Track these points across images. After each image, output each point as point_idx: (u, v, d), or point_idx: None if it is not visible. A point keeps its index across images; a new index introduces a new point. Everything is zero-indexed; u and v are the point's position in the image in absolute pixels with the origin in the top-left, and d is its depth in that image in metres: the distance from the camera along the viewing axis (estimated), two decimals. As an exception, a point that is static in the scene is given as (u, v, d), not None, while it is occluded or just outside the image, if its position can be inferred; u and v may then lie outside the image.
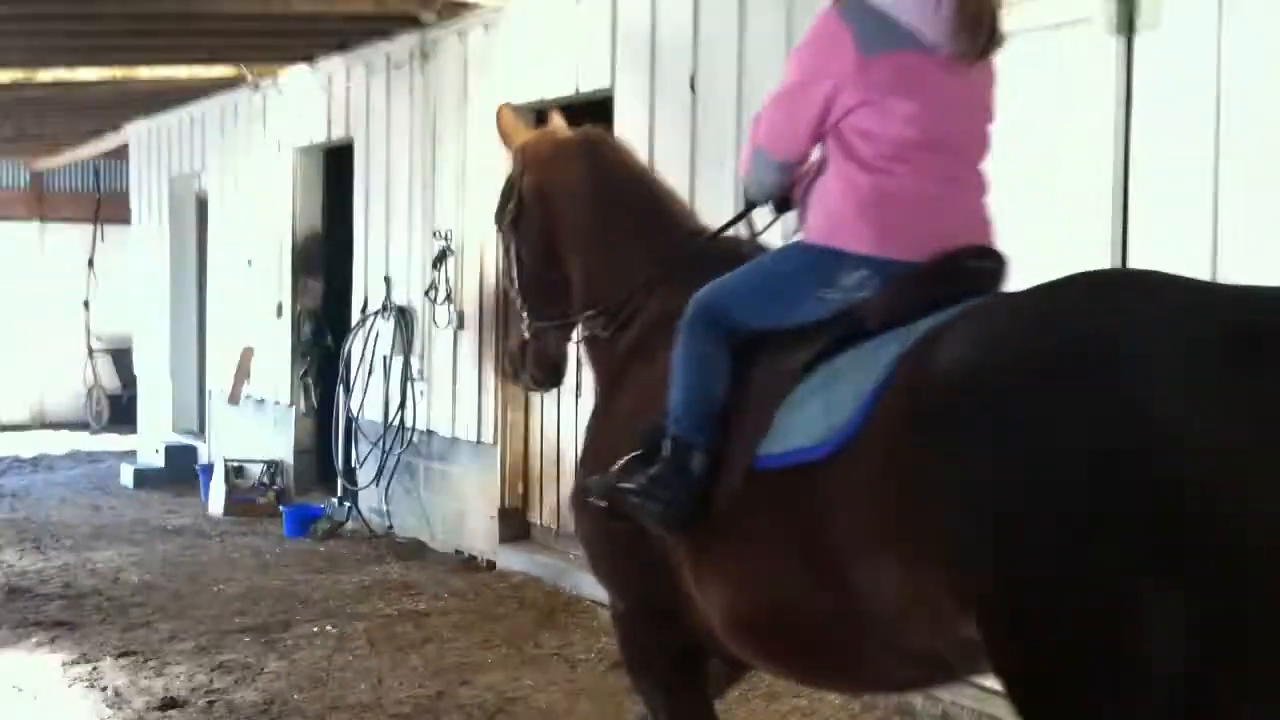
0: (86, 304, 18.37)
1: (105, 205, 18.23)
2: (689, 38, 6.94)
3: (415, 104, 9.52)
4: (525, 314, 4.07)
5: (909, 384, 2.61)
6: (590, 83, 7.78)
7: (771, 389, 2.99)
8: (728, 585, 3.06)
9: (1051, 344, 2.38)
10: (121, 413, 17.34)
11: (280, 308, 11.59)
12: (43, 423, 18.37)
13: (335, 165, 11.25)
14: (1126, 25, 4.77)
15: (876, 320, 2.91)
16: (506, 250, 4.15)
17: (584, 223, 3.83)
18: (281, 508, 10.55)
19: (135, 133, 14.91)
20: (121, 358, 17.36)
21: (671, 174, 7.04)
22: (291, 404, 11.48)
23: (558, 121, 4.13)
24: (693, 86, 6.91)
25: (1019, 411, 2.35)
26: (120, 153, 15.89)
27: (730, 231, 3.66)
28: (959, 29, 2.97)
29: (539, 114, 8.61)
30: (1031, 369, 2.38)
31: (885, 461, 2.60)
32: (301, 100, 11.20)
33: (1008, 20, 4.72)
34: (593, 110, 8.04)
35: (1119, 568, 2.21)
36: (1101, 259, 4.81)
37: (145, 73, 11.13)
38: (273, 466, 11.30)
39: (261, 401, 12.04)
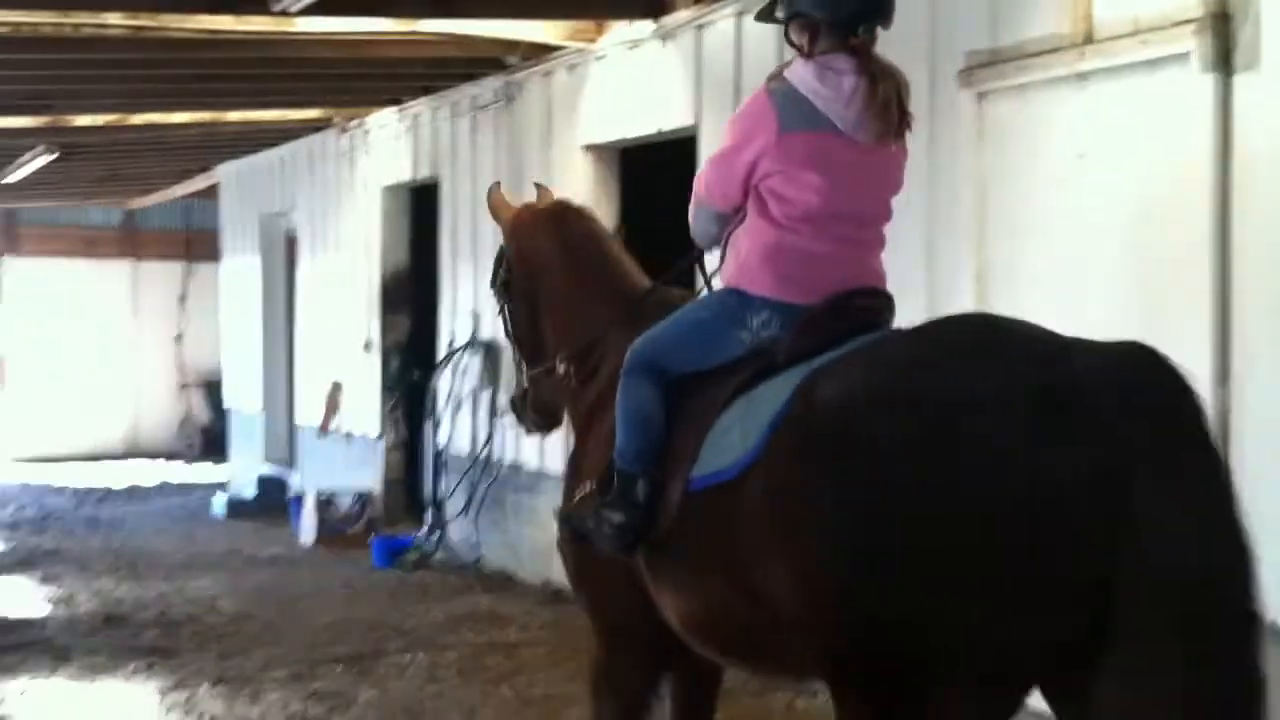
0: (179, 338, 18.81)
1: (195, 243, 18.69)
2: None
3: (499, 144, 9.69)
4: (522, 365, 4.59)
5: (799, 414, 3.11)
6: (673, 122, 7.89)
7: (700, 420, 3.46)
8: (676, 592, 3.55)
9: (904, 389, 2.91)
10: (213, 444, 17.72)
11: (369, 343, 11.81)
12: (137, 454, 18.79)
13: (421, 204, 11.46)
14: (1223, 64, 4.75)
15: (785, 357, 3.39)
16: (500, 310, 4.73)
17: (553, 283, 4.38)
18: (371, 538, 10.72)
19: (225, 173, 15.28)
20: (213, 391, 17.75)
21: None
22: (380, 436, 11.67)
23: (543, 194, 4.71)
24: (777, 124, 6.99)
25: (874, 445, 2.87)
26: (210, 192, 16.29)
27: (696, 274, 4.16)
28: (866, 118, 3.51)
29: (623, 153, 8.81)
30: (880, 408, 2.91)
31: (776, 481, 3.09)
32: (388, 141, 11.44)
33: (1096, 59, 4.74)
34: (677, 149, 8.16)
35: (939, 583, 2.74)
36: (1200, 296, 4.80)
37: (235, 116, 11.43)
38: (362, 498, 11.49)
39: (350, 434, 12.25)
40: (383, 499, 11.59)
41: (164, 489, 15.51)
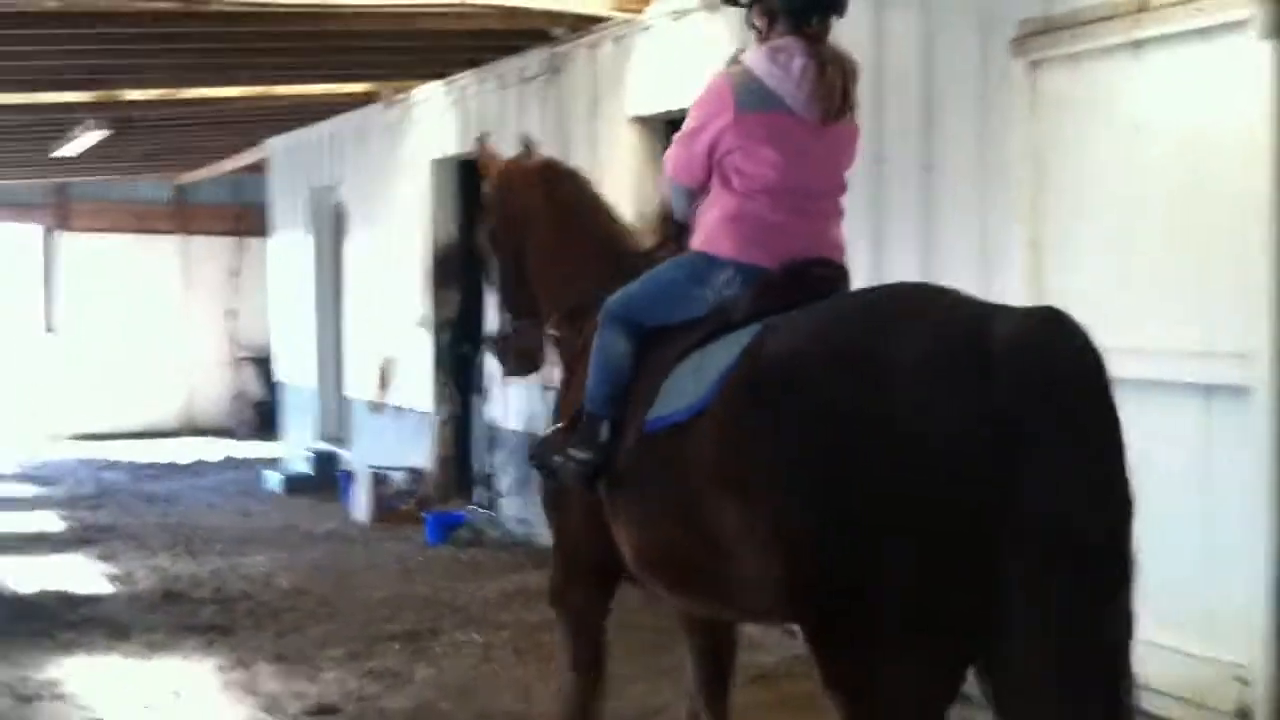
0: (231, 314, 18.95)
1: (245, 218, 18.79)
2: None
3: (546, 117, 9.65)
4: (507, 314, 4.89)
5: (747, 366, 3.45)
6: (722, 92, 7.81)
7: (660, 370, 3.81)
8: (631, 526, 3.90)
9: (833, 346, 3.24)
10: (266, 419, 17.86)
11: (423, 319, 11.83)
12: (190, 429, 18.97)
13: (470, 177, 11.44)
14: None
15: (741, 316, 3.74)
16: (486, 260, 4.98)
17: (543, 240, 4.66)
18: (424, 515, 10.77)
19: (274, 147, 15.33)
20: (266, 366, 17.87)
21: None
22: (432, 412, 11.71)
23: (532, 152, 4.95)
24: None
25: (809, 392, 3.18)
26: (260, 167, 16.36)
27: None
28: (813, 100, 3.84)
29: (669, 124, 8.73)
30: (818, 362, 3.22)
31: (725, 423, 3.42)
32: (435, 114, 11.42)
33: (1152, 26, 4.65)
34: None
35: (868, 514, 3.04)
36: (1256, 266, 4.72)
37: (283, 90, 11.44)
38: (415, 474, 11.54)
39: (403, 409, 12.30)
40: (435, 474, 11.64)
41: (218, 464, 15.66)
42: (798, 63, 3.83)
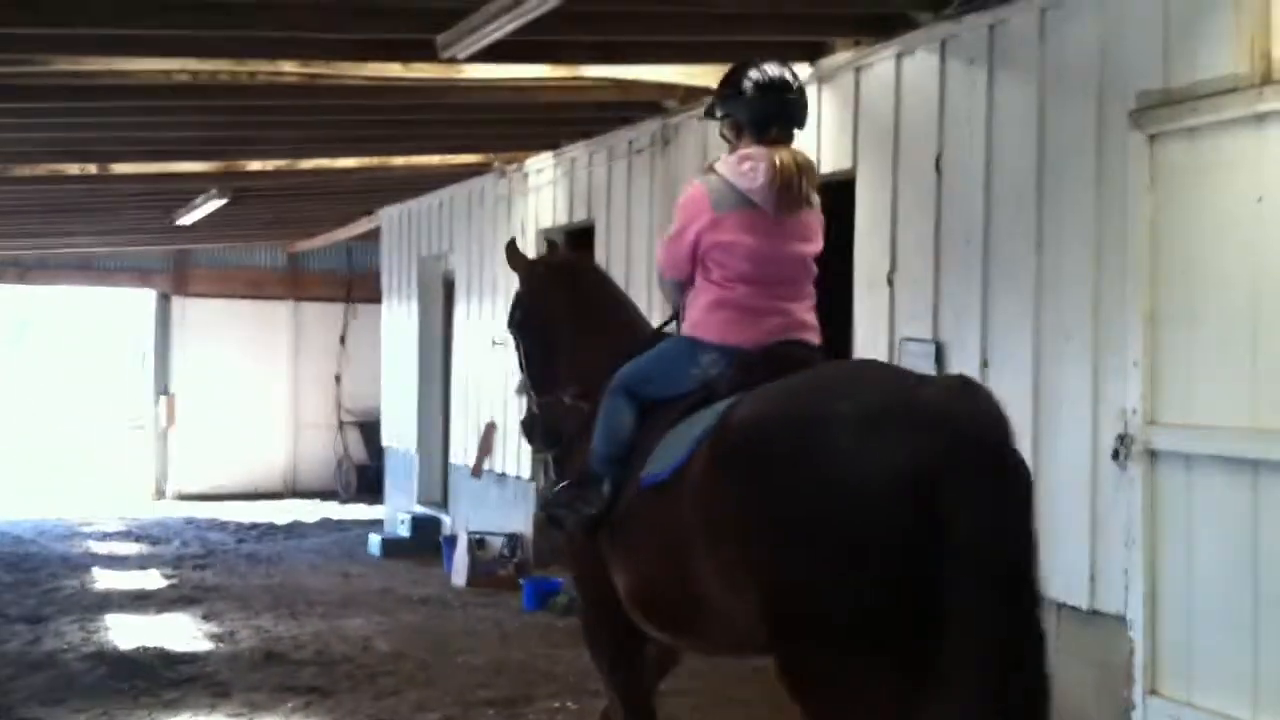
0: (338, 378, 19.27)
1: (356, 285, 19.14)
2: (934, 118, 6.90)
3: (655, 187, 9.72)
4: (533, 393, 5.35)
5: (718, 431, 3.94)
6: (831, 164, 7.81)
7: (655, 436, 4.33)
8: (625, 572, 4.39)
9: (785, 411, 3.75)
10: (369, 483, 18.04)
11: (522, 384, 11.87)
12: (294, 491, 19.23)
13: (577, 247, 11.52)
14: None
15: (724, 391, 4.25)
16: (516, 346, 5.54)
17: (566, 329, 5.21)
18: (521, 581, 10.75)
19: (387, 216, 15.62)
20: (370, 430, 18.09)
21: (914, 256, 7.04)
22: (532, 478, 11.73)
23: (554, 250, 5.66)
24: (938, 168, 6.87)
25: (763, 450, 3.68)
26: (371, 235, 16.67)
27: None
28: (772, 196, 4.39)
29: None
30: (773, 425, 3.73)
31: (696, 479, 3.94)
32: (545, 185, 11.56)
33: (1275, 99, 4.58)
34: (834, 191, 8.07)
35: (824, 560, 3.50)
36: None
37: (398, 161, 11.67)
38: (513, 539, 11.55)
39: (503, 475, 12.35)
40: (533, 541, 11.64)
41: (321, 526, 15.82)
42: (761, 167, 4.40)
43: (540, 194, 11.67)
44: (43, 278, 19.58)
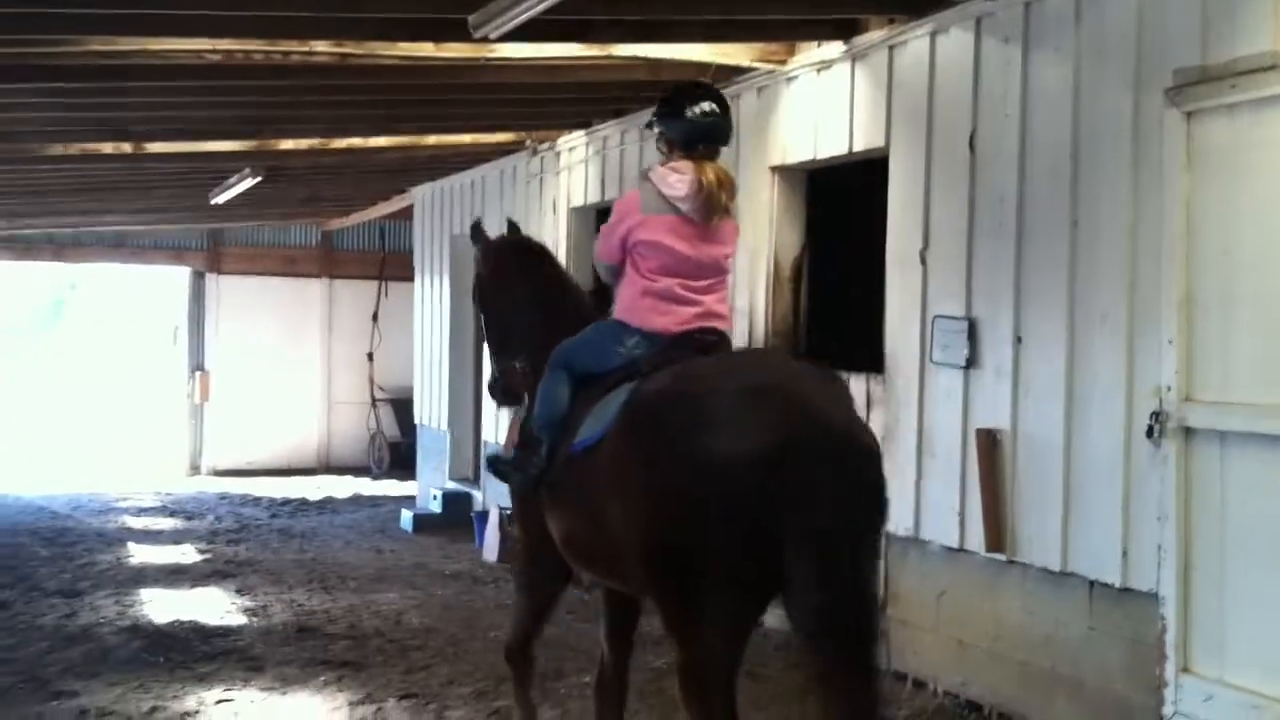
0: (370, 356, 19.35)
1: (389, 263, 19.21)
2: (968, 96, 6.87)
3: (687, 165, 9.69)
4: (494, 359, 6.08)
5: (629, 403, 4.64)
6: (864, 142, 7.79)
7: (586, 406, 4.98)
8: (559, 521, 5.13)
9: (680, 390, 4.45)
10: (401, 459, 18.16)
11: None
12: (327, 467, 19.37)
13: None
14: None
15: (646, 368, 4.89)
16: (477, 318, 6.50)
17: (520, 304, 5.85)
18: (552, 558, 10.78)
19: (420, 194, 15.66)
20: (402, 407, 18.18)
21: (947, 234, 7.02)
22: (562, 457, 11.75)
23: (517, 232, 6.22)
24: (972, 146, 6.84)
25: (659, 422, 4.40)
26: (404, 213, 16.71)
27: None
28: (695, 206, 5.08)
29: (811, 175, 8.74)
30: (669, 401, 4.43)
31: (612, 445, 4.63)
32: (576, 163, 11.56)
33: None
34: (867, 169, 8.05)
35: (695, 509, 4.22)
36: None
37: (431, 140, 11.69)
38: (543, 517, 11.58)
39: (533, 454, 12.36)
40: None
41: (354, 502, 15.92)
42: (686, 179, 5.07)
43: (572, 172, 11.68)
44: (78, 255, 19.73)
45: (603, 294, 5.92)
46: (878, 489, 4.28)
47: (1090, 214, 6.12)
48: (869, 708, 4.09)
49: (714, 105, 5.23)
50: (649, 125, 5.35)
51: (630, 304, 5.16)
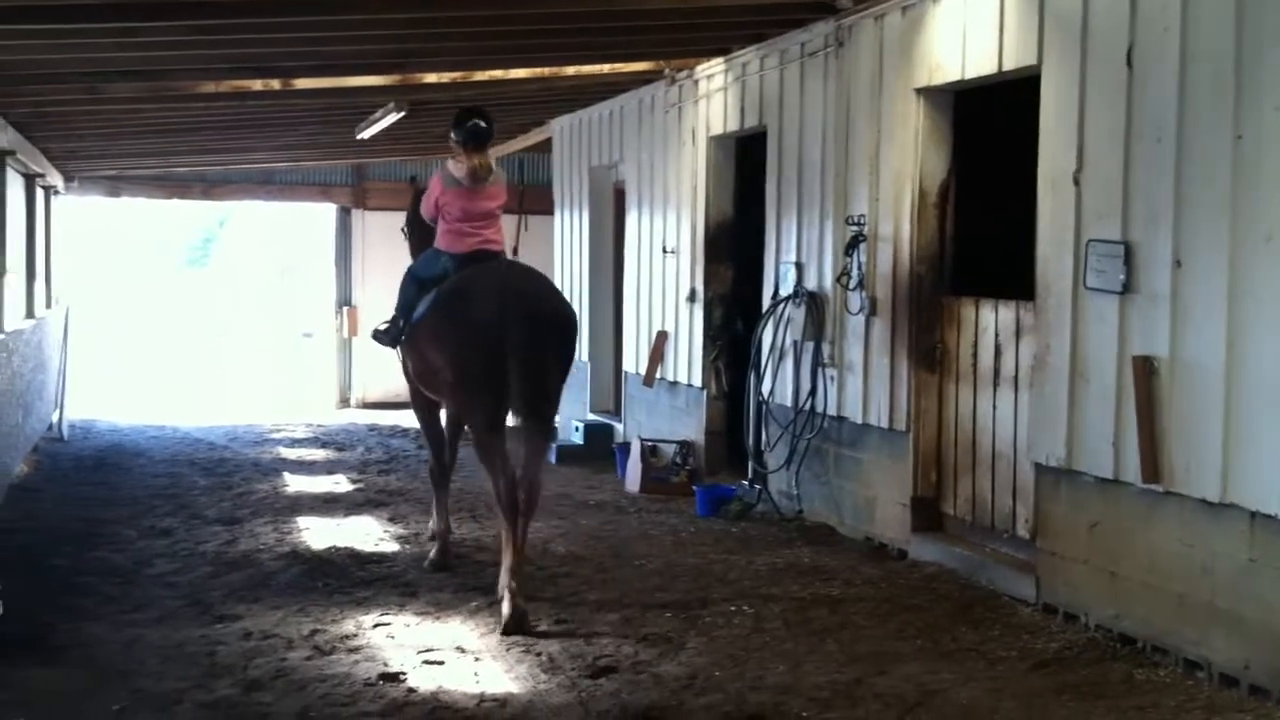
0: (511, 289, 19.51)
1: (528, 196, 19.25)
2: (1125, 12, 6.61)
3: (829, 91, 9.55)
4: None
5: (438, 294, 7.93)
6: (1015, 60, 7.57)
7: (421, 296, 8.19)
8: (411, 362, 8.42)
9: (459, 286, 7.80)
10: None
11: (693, 293, 11.91)
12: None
13: (747, 153, 11.44)
14: None
15: (452, 274, 7.98)
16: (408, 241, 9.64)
17: (416, 235, 9.36)
18: (694, 487, 10.84)
19: (558, 126, 15.68)
20: (543, 340, 18.28)
21: (1102, 154, 6.80)
22: (703, 387, 11.78)
23: (417, 185, 9.43)
24: (1129, 62, 6.59)
25: (447, 305, 7.79)
26: (543, 146, 16.74)
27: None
28: (469, 180, 8.07)
29: (957, 95, 8.52)
30: (454, 293, 7.79)
31: (428, 318, 7.95)
32: (716, 91, 11.45)
33: None
34: (1018, 89, 7.82)
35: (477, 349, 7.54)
36: None
37: (570, 70, 11.67)
38: (685, 447, 11.64)
39: (674, 384, 12.42)
40: (704, 449, 11.70)
41: (498, 433, 16.09)
42: (464, 167, 8.06)
43: (711, 101, 11.57)
44: (226, 193, 20.21)
45: (427, 234, 8.66)
46: (560, 336, 7.62)
47: (1255, 129, 5.85)
48: (541, 448, 7.61)
49: (480, 121, 8.07)
50: (450, 135, 8.20)
51: (441, 239, 8.24)
